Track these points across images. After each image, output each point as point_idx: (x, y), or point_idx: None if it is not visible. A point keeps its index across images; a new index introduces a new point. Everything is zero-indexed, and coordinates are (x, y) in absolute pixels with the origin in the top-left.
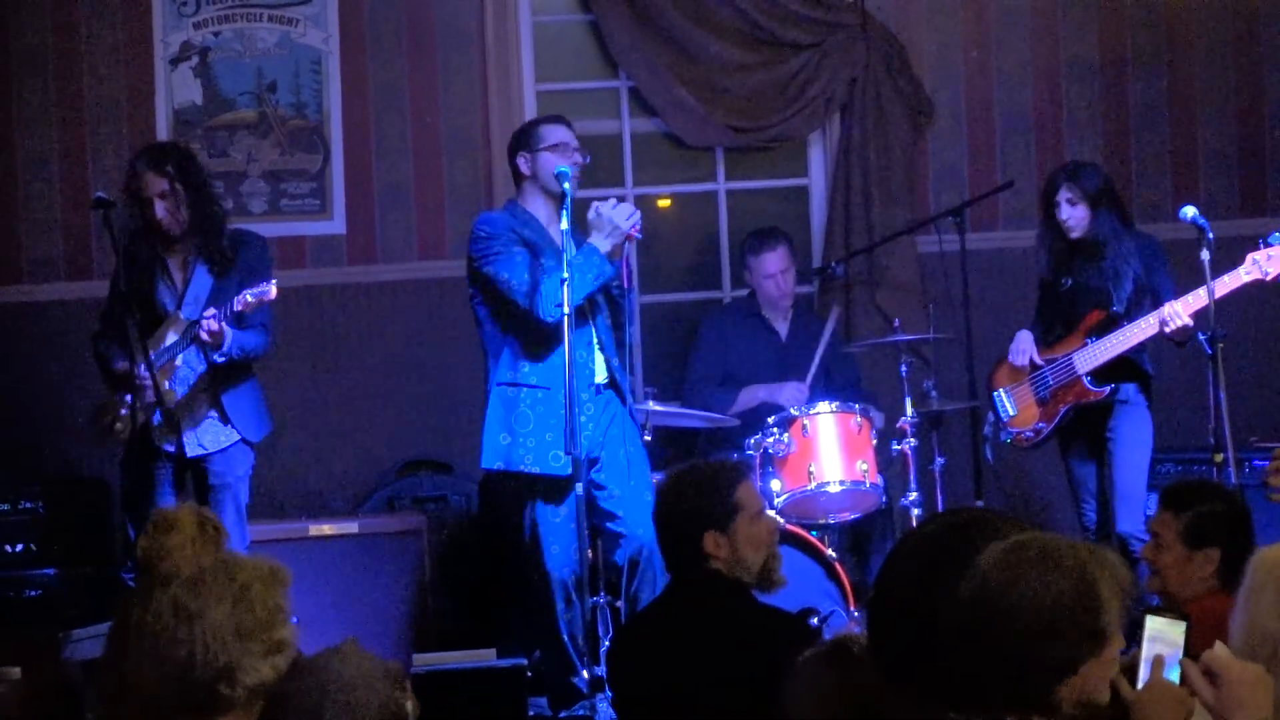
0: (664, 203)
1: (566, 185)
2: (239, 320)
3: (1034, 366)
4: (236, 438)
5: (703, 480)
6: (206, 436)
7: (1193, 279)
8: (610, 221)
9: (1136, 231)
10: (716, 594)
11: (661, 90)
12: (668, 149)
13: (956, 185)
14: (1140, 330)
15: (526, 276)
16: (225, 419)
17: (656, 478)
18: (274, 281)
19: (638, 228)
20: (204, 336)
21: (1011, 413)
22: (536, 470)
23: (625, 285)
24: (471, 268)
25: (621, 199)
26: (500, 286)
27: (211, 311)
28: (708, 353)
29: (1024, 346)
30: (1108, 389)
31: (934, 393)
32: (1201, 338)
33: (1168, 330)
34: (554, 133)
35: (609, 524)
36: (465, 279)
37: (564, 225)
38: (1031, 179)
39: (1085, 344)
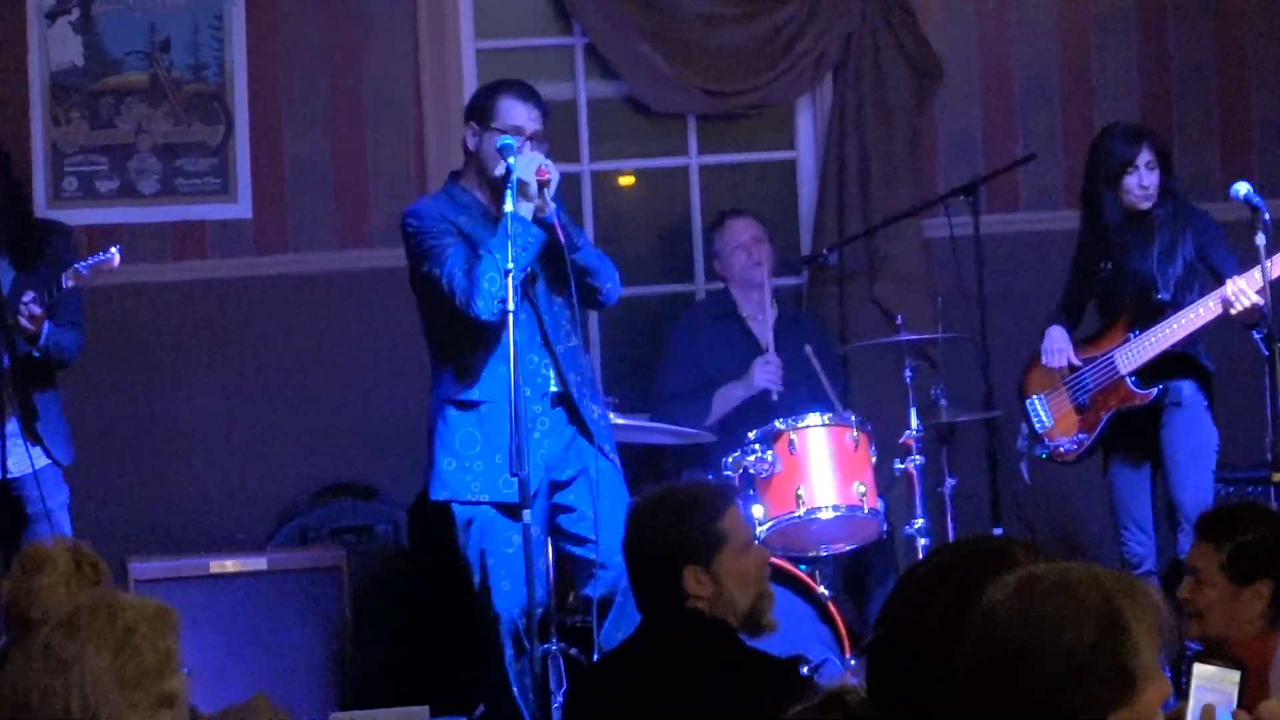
0: (626, 180)
1: (511, 160)
2: (50, 312)
3: (1071, 368)
4: (46, 461)
5: (681, 506)
6: (10, 457)
7: (1245, 266)
8: (518, 180)
9: (1191, 205)
10: (696, 637)
11: (623, 48)
12: (630, 117)
13: (969, 159)
14: (1195, 317)
15: (460, 271)
16: (33, 436)
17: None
18: (119, 248)
19: (546, 169)
20: (25, 323)
21: (1047, 423)
22: (486, 499)
23: (563, 241)
24: (410, 271)
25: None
26: (434, 286)
27: (30, 295)
28: (678, 366)
29: (1059, 345)
30: (1155, 390)
31: (943, 402)
32: (1257, 336)
33: (1233, 311)
34: (511, 111)
35: (580, 551)
36: (395, 274)
37: (508, 206)
38: (1056, 150)
39: (1128, 339)
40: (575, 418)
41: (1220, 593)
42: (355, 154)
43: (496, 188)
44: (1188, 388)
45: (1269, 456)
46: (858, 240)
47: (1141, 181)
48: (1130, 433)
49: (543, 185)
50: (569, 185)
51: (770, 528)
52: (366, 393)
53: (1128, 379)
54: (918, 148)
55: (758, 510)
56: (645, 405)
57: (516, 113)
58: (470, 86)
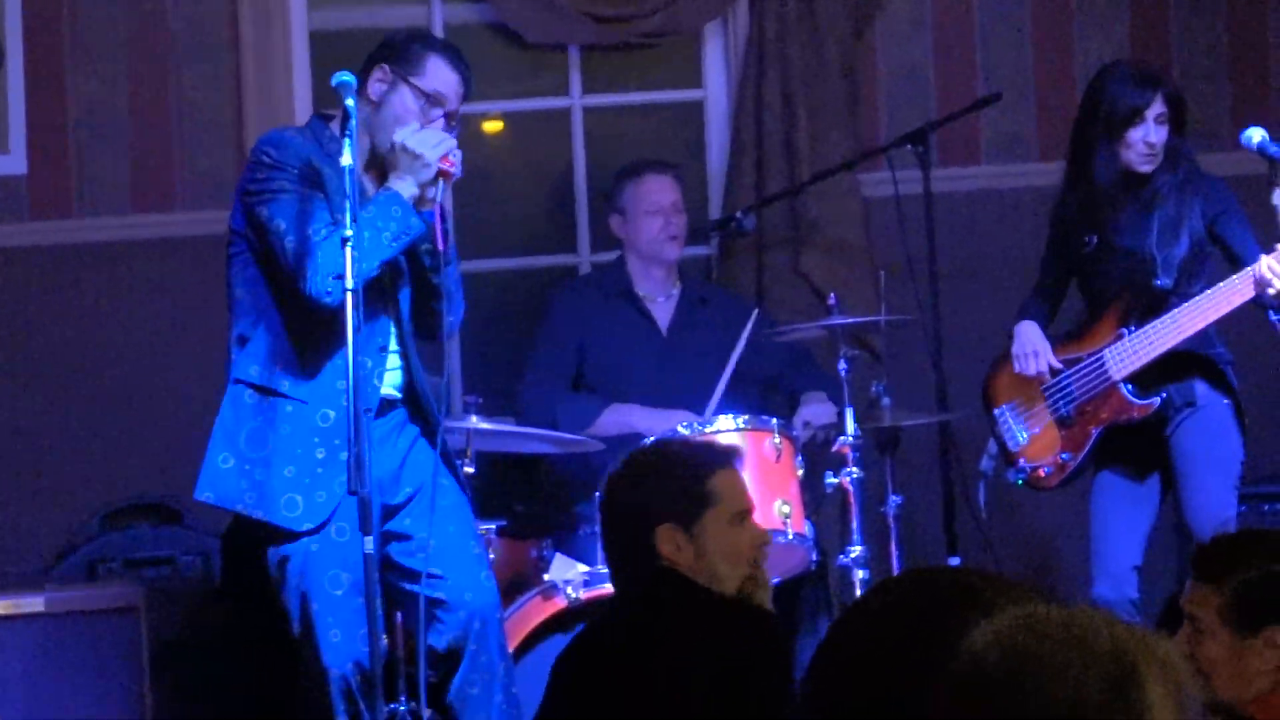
0: (493, 126)
1: (350, 101)
2: None
3: (1051, 371)
4: None
5: (664, 459)
6: None
7: (1260, 230)
8: (413, 153)
9: (1201, 171)
10: (664, 597)
11: None
12: (498, 48)
13: (918, 100)
14: (1217, 301)
15: (307, 231)
16: None
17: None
18: None
19: (454, 161)
20: None
21: (1021, 440)
22: (259, 516)
23: (440, 249)
24: (241, 204)
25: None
26: (270, 238)
27: None
28: (558, 341)
29: (1031, 346)
30: (1157, 400)
31: (887, 400)
32: (1275, 319)
33: (1270, 291)
34: (441, 74)
35: (418, 588)
36: (205, 243)
37: (346, 160)
38: (1026, 90)
39: (1120, 336)
40: (417, 420)
41: (1224, 644)
42: (157, 97)
43: (380, 163)
44: (1200, 385)
45: None
46: (780, 200)
47: (1148, 137)
48: (1129, 443)
49: (441, 176)
50: None
51: None
52: (170, 392)
53: (1122, 386)
54: (855, 86)
55: None
56: (513, 400)
57: (447, 78)
58: (299, 14)
